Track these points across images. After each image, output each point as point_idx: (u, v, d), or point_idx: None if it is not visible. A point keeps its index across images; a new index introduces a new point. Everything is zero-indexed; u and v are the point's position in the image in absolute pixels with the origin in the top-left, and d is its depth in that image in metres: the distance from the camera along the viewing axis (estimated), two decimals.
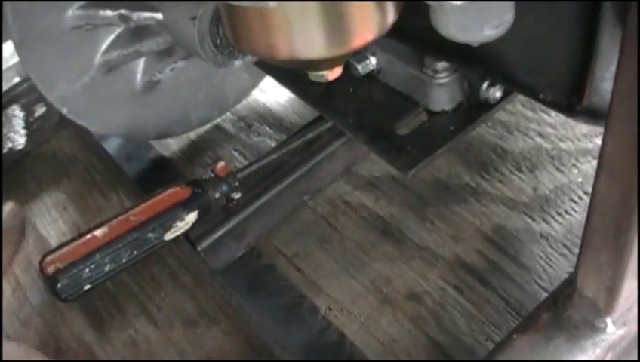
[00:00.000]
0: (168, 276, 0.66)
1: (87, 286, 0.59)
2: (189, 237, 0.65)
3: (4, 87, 0.80)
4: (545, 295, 0.61)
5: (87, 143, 0.82)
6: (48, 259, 0.59)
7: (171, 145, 0.80)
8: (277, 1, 0.34)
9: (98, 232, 0.60)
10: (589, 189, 0.66)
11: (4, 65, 0.82)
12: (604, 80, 0.46)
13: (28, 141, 0.83)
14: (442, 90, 0.63)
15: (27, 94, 0.81)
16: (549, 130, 0.72)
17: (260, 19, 0.38)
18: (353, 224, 0.70)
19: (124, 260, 0.60)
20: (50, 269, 0.58)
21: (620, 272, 0.48)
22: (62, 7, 0.64)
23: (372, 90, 0.68)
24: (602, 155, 0.44)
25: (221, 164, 0.64)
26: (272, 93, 0.83)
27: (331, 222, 0.70)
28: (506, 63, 0.51)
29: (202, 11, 0.61)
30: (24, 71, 0.67)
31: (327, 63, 0.42)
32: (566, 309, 0.52)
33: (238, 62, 0.67)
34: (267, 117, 0.81)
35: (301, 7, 0.37)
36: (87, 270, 0.59)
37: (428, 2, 0.37)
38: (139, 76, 0.71)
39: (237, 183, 0.64)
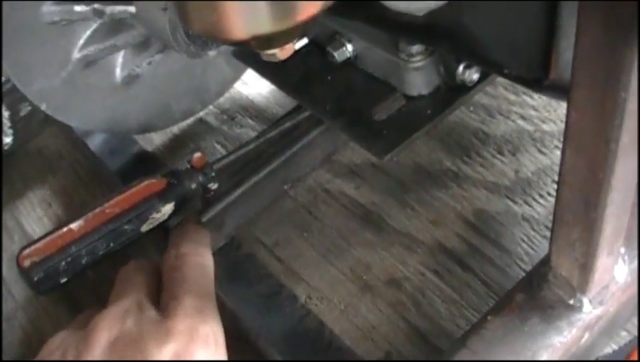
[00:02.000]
0: None
1: (64, 279, 0.59)
2: (167, 229, 0.65)
3: None
4: None
5: (72, 140, 0.82)
6: (24, 252, 0.59)
7: (154, 140, 0.80)
8: None
9: (74, 225, 0.60)
10: None
11: None
12: (569, 52, 0.46)
13: (14, 140, 0.83)
14: (418, 73, 0.62)
15: (11, 93, 0.82)
16: (532, 112, 0.70)
17: None
18: (334, 212, 0.69)
19: (100, 252, 0.60)
20: (26, 263, 0.58)
21: (591, 249, 0.47)
22: (36, 3, 0.65)
23: (350, 77, 0.67)
24: (567, 128, 0.44)
25: (197, 154, 0.64)
26: (254, 86, 0.82)
27: (312, 210, 0.69)
28: (471, 39, 0.50)
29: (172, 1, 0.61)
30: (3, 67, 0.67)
31: (277, 40, 0.42)
32: (541, 289, 0.52)
33: (212, 53, 0.67)
34: (249, 109, 0.80)
35: None
36: (63, 263, 0.58)
37: None
38: (118, 70, 0.70)
39: (213, 173, 0.64)
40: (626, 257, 0.51)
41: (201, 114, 0.80)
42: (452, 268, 0.62)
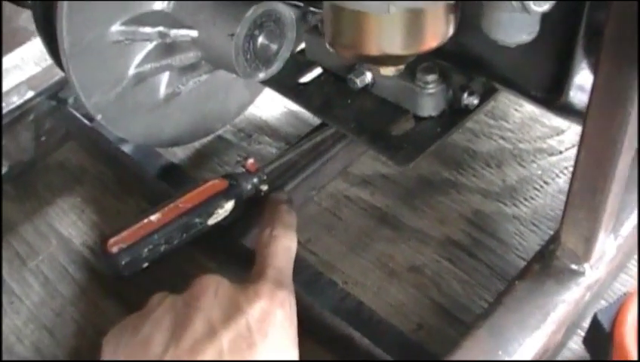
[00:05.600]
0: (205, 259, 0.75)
1: (145, 264, 0.67)
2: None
3: (19, 102, 0.86)
4: (523, 262, 0.75)
5: (94, 154, 0.89)
6: (112, 240, 0.66)
7: (178, 154, 0.89)
8: (393, 8, 0.46)
9: (153, 217, 0.68)
10: (548, 180, 0.82)
11: (17, 81, 0.88)
12: (579, 81, 0.62)
13: (35, 153, 0.89)
14: (430, 98, 0.76)
15: (37, 108, 0.88)
16: (509, 133, 0.87)
17: (358, 22, 0.50)
18: (354, 214, 0.81)
19: (175, 242, 0.69)
20: (114, 249, 0.66)
21: (596, 226, 0.63)
22: (107, 23, 0.73)
23: (366, 101, 0.80)
24: (583, 133, 0.59)
25: (250, 160, 0.74)
26: (266, 108, 0.94)
27: (335, 213, 0.81)
28: (498, 64, 0.65)
29: (239, 29, 0.72)
30: (70, 80, 0.73)
31: (399, 60, 0.55)
32: (552, 259, 0.67)
33: (261, 75, 0.78)
34: (264, 128, 0.92)
35: (392, 16, 0.50)
36: (145, 250, 0.67)
37: (484, 13, 0.50)
38: (163, 88, 0.80)
39: (265, 177, 0.74)
40: (613, 235, 0.67)
41: (220, 132, 0.89)
42: (461, 257, 0.76)
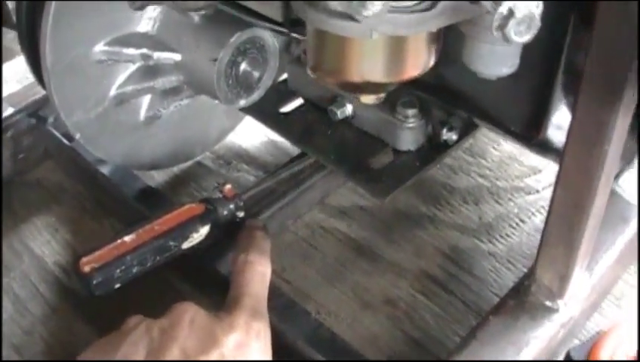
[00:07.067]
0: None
1: (117, 285, 0.66)
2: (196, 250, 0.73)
3: None
4: (497, 299, 0.74)
5: (73, 174, 0.88)
6: (84, 259, 0.65)
7: (156, 178, 0.88)
8: (375, 34, 0.47)
9: (127, 238, 0.68)
10: (524, 218, 0.82)
11: None
12: (557, 120, 0.63)
13: (13, 169, 0.88)
14: (410, 132, 0.77)
15: (16, 125, 0.87)
16: (487, 171, 0.88)
17: (341, 47, 0.51)
18: (330, 244, 0.81)
19: (148, 264, 0.68)
20: (87, 268, 0.65)
21: (571, 262, 0.63)
22: (91, 42, 0.73)
23: (346, 133, 0.80)
24: (560, 171, 0.60)
25: (228, 186, 0.74)
26: (246, 137, 0.94)
27: (311, 242, 0.81)
28: (478, 99, 0.66)
29: (222, 54, 0.72)
30: (50, 98, 0.73)
31: (380, 88, 0.55)
32: (527, 295, 0.67)
33: (242, 102, 0.78)
34: (244, 156, 0.91)
35: (374, 42, 0.50)
36: (118, 271, 0.66)
37: (465, 44, 0.51)
38: (143, 110, 0.80)
39: (242, 203, 0.74)
40: (587, 273, 0.68)
41: (199, 158, 0.89)
42: (436, 291, 0.76)
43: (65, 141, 0.86)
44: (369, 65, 0.52)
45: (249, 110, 0.86)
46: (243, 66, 0.75)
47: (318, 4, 0.48)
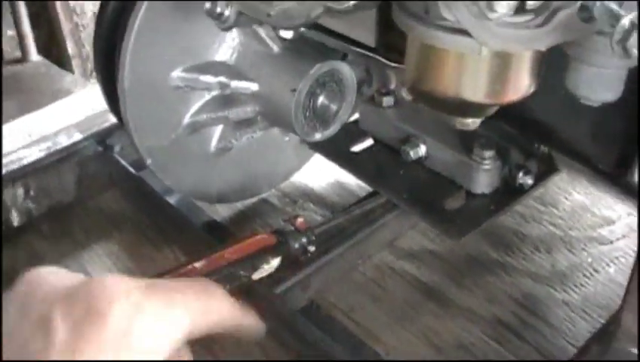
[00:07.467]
0: None
1: None
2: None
3: (66, 143, 0.86)
4: (572, 348, 0.72)
5: (137, 202, 0.87)
6: None
7: (220, 212, 0.87)
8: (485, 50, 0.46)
9: (197, 264, 0.66)
10: (598, 268, 0.80)
11: (67, 123, 0.88)
12: None
13: (76, 195, 0.87)
14: (486, 174, 0.75)
15: (83, 151, 0.87)
16: (559, 220, 0.86)
17: (444, 63, 0.50)
18: (399, 286, 0.79)
19: None
20: None
21: None
22: (170, 67, 0.73)
23: (418, 174, 0.79)
24: None
25: (300, 219, 0.72)
26: (312, 176, 0.93)
27: (380, 283, 0.79)
28: (568, 134, 0.64)
29: (302, 85, 0.72)
30: (124, 120, 0.73)
31: (477, 111, 0.54)
32: (611, 341, 0.63)
33: (318, 135, 0.78)
34: (310, 195, 0.90)
35: (479, 60, 0.49)
36: None
37: (570, 68, 0.50)
38: (215, 140, 0.79)
39: (313, 237, 0.72)
40: None
41: (265, 195, 0.88)
42: (510, 338, 0.73)
43: (131, 169, 0.86)
44: (471, 84, 0.51)
45: (320, 148, 0.85)
46: (321, 99, 0.75)
47: (428, 17, 0.48)
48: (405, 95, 0.55)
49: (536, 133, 0.68)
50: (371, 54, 0.62)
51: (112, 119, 0.86)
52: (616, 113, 0.58)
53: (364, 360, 0.68)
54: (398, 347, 0.72)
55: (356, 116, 0.85)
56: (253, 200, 0.88)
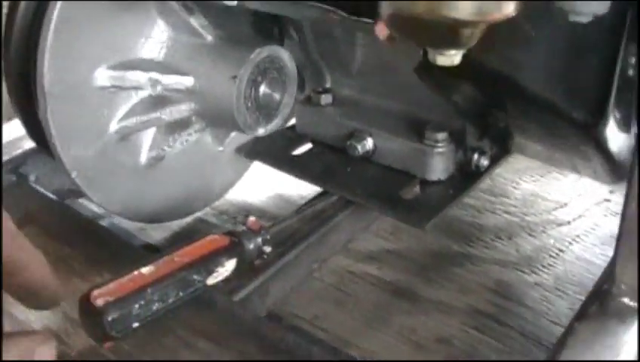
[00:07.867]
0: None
1: (136, 324, 0.54)
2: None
3: None
4: (555, 327, 0.68)
5: (61, 234, 0.76)
6: (96, 292, 0.54)
7: (153, 236, 0.78)
8: None
9: (145, 270, 0.57)
10: (563, 248, 0.77)
11: None
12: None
13: None
14: (440, 158, 0.72)
15: None
16: (513, 208, 0.83)
17: None
18: (363, 289, 0.72)
19: (170, 300, 0.57)
20: (100, 302, 0.53)
21: None
22: (93, 65, 0.65)
23: (367, 169, 0.75)
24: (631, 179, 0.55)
25: (252, 218, 0.65)
26: (250, 191, 0.86)
27: (341, 288, 0.72)
28: (545, 90, 0.62)
29: (243, 71, 0.66)
30: (46, 127, 0.64)
31: (462, 38, 0.50)
32: (609, 299, 0.59)
33: (261, 130, 0.72)
34: (250, 210, 0.83)
35: None
36: (136, 306, 0.54)
37: None
38: (145, 150, 0.71)
39: (268, 237, 0.65)
40: None
41: (200, 214, 0.80)
42: (491, 325, 0.68)
43: (53, 197, 0.75)
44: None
45: (260, 155, 0.80)
46: (263, 87, 0.69)
47: None
48: (379, 33, 0.50)
49: (507, 88, 0.65)
50: (329, 7, 0.57)
51: (26, 145, 0.77)
52: (591, 60, 0.57)
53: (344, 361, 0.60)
54: (377, 350, 0.65)
55: (292, 121, 0.81)
56: (188, 220, 0.80)
